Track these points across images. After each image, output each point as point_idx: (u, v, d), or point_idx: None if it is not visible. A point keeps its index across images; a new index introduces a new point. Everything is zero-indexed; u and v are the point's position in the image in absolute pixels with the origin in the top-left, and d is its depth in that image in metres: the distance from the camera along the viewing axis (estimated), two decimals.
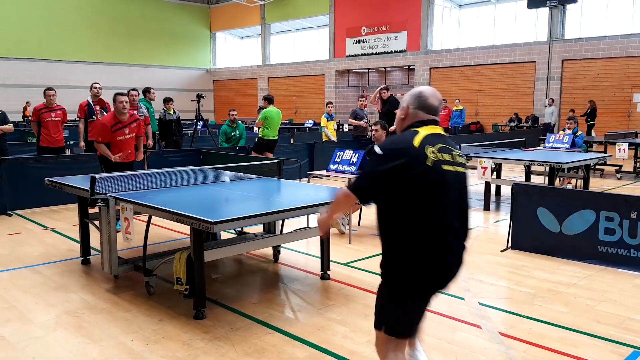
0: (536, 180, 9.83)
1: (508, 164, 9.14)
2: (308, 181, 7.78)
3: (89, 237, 5.81)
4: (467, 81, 24.33)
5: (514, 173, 11.96)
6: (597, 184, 11.06)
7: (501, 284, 5.19)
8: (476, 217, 8.16)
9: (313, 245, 6.40)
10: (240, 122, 12.24)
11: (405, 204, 2.44)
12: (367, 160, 2.57)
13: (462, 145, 9.22)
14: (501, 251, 6.24)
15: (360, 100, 13.06)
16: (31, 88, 27.04)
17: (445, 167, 2.47)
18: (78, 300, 4.73)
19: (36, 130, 9.45)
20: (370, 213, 2.68)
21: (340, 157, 7.49)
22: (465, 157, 2.68)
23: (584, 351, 3.74)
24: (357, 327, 4.13)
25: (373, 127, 7.03)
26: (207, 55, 36.59)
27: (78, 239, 5.95)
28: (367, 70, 29.17)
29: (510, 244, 6.33)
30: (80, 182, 5.56)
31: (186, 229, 4.67)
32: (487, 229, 7.51)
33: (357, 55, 27.96)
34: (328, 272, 5.29)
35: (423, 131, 2.51)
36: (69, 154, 11.35)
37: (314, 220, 6.71)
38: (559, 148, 10.47)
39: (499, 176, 9.33)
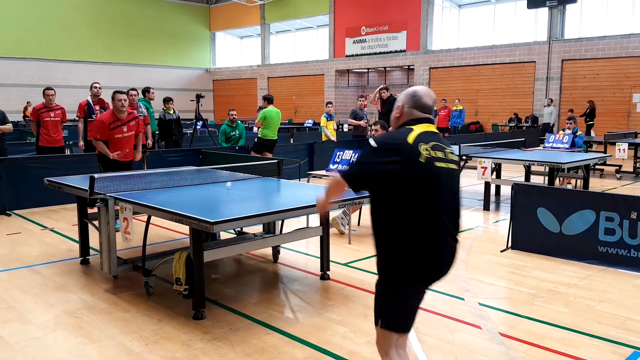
0: (536, 180, 9.83)
1: (508, 164, 9.13)
2: (308, 181, 7.77)
3: (88, 237, 5.80)
4: (467, 81, 24.33)
5: (513, 173, 11.96)
6: (596, 184, 11.06)
7: (501, 284, 5.18)
8: (476, 217, 8.15)
9: (313, 245, 6.40)
10: (239, 122, 12.23)
11: (398, 199, 2.50)
12: (361, 151, 2.64)
13: (461, 145, 9.20)
14: (501, 251, 6.24)
15: (360, 100, 13.06)
16: (31, 88, 27.04)
17: (438, 164, 2.53)
18: (77, 300, 4.72)
19: (35, 130, 9.44)
20: (369, 213, 2.76)
21: (340, 157, 7.48)
22: (457, 155, 2.75)
23: (584, 351, 3.73)
24: (357, 327, 4.12)
25: (373, 127, 7.03)
26: (206, 55, 36.58)
27: (77, 239, 5.93)
28: (366, 70, 29.17)
29: (510, 244, 6.32)
30: (79, 182, 5.55)
31: (186, 228, 4.66)
32: (487, 229, 7.50)
33: (357, 55, 27.96)
34: (328, 272, 5.29)
35: (417, 129, 2.57)
36: (68, 153, 11.34)
37: (313, 220, 6.71)
38: (559, 148, 10.46)
39: (498, 176, 9.33)
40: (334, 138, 12.91)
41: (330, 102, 13.50)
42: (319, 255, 5.34)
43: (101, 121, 6.94)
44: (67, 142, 11.80)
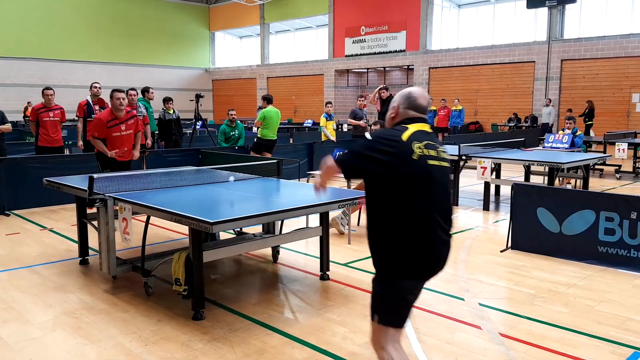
0: (535, 180, 9.82)
1: (507, 164, 9.13)
2: (307, 181, 7.77)
3: (87, 238, 5.79)
4: (466, 81, 24.33)
5: (513, 173, 11.95)
6: (596, 184, 11.06)
7: (501, 284, 5.18)
8: (476, 217, 8.14)
9: (312, 245, 6.39)
10: (239, 121, 12.23)
11: (391, 194, 2.57)
12: (356, 142, 2.69)
13: (461, 145, 9.20)
14: (501, 251, 6.23)
15: (360, 100, 13.05)
16: (31, 88, 27.02)
17: (431, 162, 2.61)
18: (76, 300, 4.71)
19: (34, 130, 9.43)
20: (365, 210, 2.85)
21: None
22: (449, 154, 2.81)
23: (584, 352, 3.72)
24: (357, 327, 4.11)
25: (372, 127, 7.02)
26: (206, 54, 36.57)
27: (76, 239, 5.92)
28: (366, 70, 29.16)
29: (509, 244, 6.32)
30: (78, 182, 5.54)
31: (185, 229, 4.66)
32: (487, 229, 7.50)
33: (356, 55, 27.96)
34: (327, 273, 5.28)
35: (412, 128, 2.65)
36: (68, 153, 11.33)
37: (313, 220, 6.70)
38: (559, 148, 10.45)
39: (498, 176, 9.32)
40: (333, 138, 12.91)
41: (330, 102, 13.49)
42: (318, 256, 5.34)
43: (99, 119, 6.94)
44: (66, 142, 11.80)
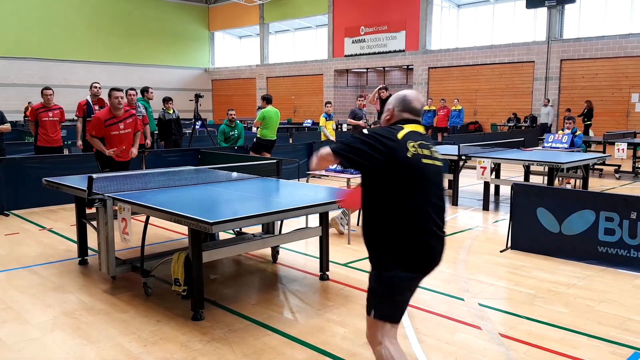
0: (535, 180, 9.82)
1: (507, 163, 9.12)
2: (307, 181, 7.75)
3: (86, 238, 5.78)
4: (466, 81, 24.33)
5: (512, 173, 11.95)
6: (596, 184, 11.06)
7: (501, 284, 5.17)
8: (475, 217, 8.14)
9: (312, 245, 6.38)
10: (238, 121, 12.21)
11: (387, 191, 2.66)
12: (352, 135, 2.84)
13: (460, 145, 9.20)
14: (500, 251, 6.23)
15: (359, 100, 13.04)
16: (31, 88, 26.99)
17: (425, 161, 2.71)
18: (75, 301, 4.70)
19: (34, 129, 9.42)
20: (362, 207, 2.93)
21: None
22: (441, 154, 2.91)
23: (584, 352, 3.72)
24: (357, 328, 4.10)
25: (372, 127, 7.01)
26: (205, 54, 36.55)
27: (75, 240, 5.91)
28: (365, 70, 29.16)
29: (509, 244, 6.31)
30: (77, 182, 5.53)
31: (184, 228, 4.65)
32: (486, 229, 7.49)
33: (356, 55, 27.95)
34: (327, 273, 5.27)
35: (407, 128, 2.76)
36: (67, 153, 11.32)
37: (312, 220, 6.69)
38: (558, 148, 10.45)
39: (497, 176, 9.32)
40: (333, 138, 12.88)
41: (329, 102, 13.48)
42: (318, 256, 5.33)
43: (97, 117, 6.93)
44: (66, 142, 11.78)
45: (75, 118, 9.99)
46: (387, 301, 2.74)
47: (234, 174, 5.97)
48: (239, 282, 5.29)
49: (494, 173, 8.88)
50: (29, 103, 25.19)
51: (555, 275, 5.38)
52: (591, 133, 18.30)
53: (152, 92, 11.28)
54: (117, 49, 31.68)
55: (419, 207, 2.66)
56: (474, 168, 8.76)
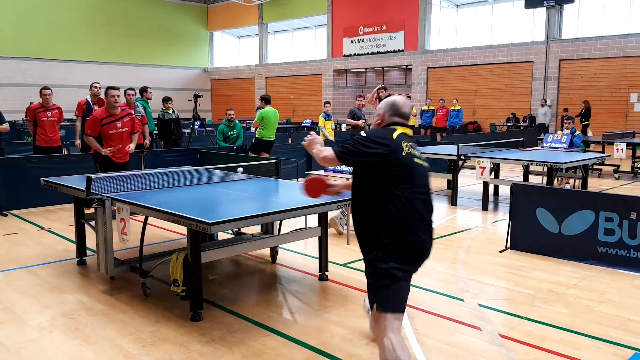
0: (534, 180, 9.82)
1: (506, 163, 9.12)
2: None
3: (85, 238, 5.76)
4: (465, 81, 24.32)
5: (511, 173, 11.95)
6: (595, 184, 11.06)
7: (500, 284, 5.16)
8: (474, 217, 8.13)
9: (311, 245, 6.37)
10: (237, 121, 12.20)
11: (382, 188, 2.87)
12: (352, 139, 2.96)
13: (460, 145, 9.20)
14: (500, 252, 6.22)
15: (358, 100, 13.03)
16: (29, 87, 26.96)
17: (416, 160, 2.96)
18: (74, 301, 4.69)
19: (32, 129, 9.40)
20: (352, 208, 3.08)
21: None
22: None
23: (584, 353, 3.71)
24: (356, 328, 4.09)
25: (371, 127, 6.99)
26: (204, 54, 36.52)
27: (74, 240, 5.90)
28: (364, 70, 29.14)
29: (509, 245, 6.30)
30: (76, 182, 5.51)
31: (183, 229, 4.63)
32: (486, 229, 7.48)
33: (355, 54, 27.93)
34: (326, 273, 5.26)
35: (399, 130, 3.01)
36: (65, 153, 11.29)
37: (312, 220, 6.68)
38: (557, 148, 10.45)
39: (497, 176, 9.31)
40: (332, 138, 12.88)
41: (328, 102, 13.46)
42: (317, 256, 5.31)
43: (93, 116, 6.91)
44: (64, 142, 11.76)
45: (75, 117, 9.96)
46: (387, 292, 2.90)
47: (240, 169, 6.00)
48: (238, 282, 5.27)
49: (493, 173, 8.87)
50: (30, 103, 25.17)
51: (555, 275, 5.37)
52: (590, 133, 18.30)
53: (151, 92, 11.26)
54: (115, 48, 31.62)
55: (411, 202, 2.87)
56: (473, 168, 8.75)
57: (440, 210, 8.64)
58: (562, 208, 5.92)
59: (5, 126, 9.20)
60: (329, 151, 2.96)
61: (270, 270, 5.67)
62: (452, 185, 9.14)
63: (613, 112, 20.27)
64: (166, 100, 11.91)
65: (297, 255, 6.13)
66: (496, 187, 9.94)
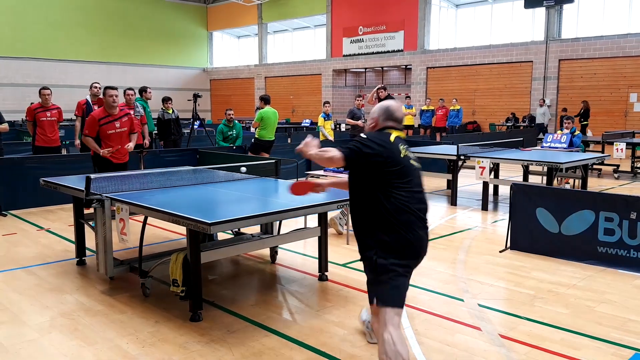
0: (533, 180, 9.81)
1: (506, 163, 9.11)
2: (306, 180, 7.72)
3: (84, 238, 5.75)
4: (464, 81, 24.31)
5: (511, 173, 11.94)
6: (594, 184, 11.06)
7: (500, 285, 5.15)
8: (474, 217, 8.12)
9: (310, 246, 6.36)
10: (237, 121, 12.19)
11: (381, 187, 2.98)
12: (354, 140, 3.05)
13: (459, 145, 9.19)
14: (500, 252, 6.21)
15: (358, 100, 13.02)
16: (28, 87, 26.95)
17: (412, 162, 3.11)
18: (73, 302, 4.68)
19: (31, 129, 9.38)
20: (350, 207, 3.19)
21: None
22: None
23: (585, 353, 3.70)
24: (356, 329, 4.08)
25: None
26: (204, 54, 36.50)
27: (73, 240, 5.89)
28: (364, 70, 29.13)
29: (509, 245, 6.30)
30: (75, 182, 5.50)
31: (183, 229, 4.63)
32: (485, 229, 7.48)
33: (354, 54, 27.92)
34: (326, 273, 5.25)
35: (394, 133, 3.13)
36: (65, 153, 11.28)
37: (311, 220, 6.67)
38: (557, 148, 10.44)
39: (496, 176, 9.31)
40: (331, 138, 12.88)
41: (328, 102, 13.45)
42: (316, 256, 5.31)
43: (91, 116, 6.89)
44: (64, 142, 11.75)
45: (74, 117, 9.94)
46: (387, 287, 2.98)
47: (243, 169, 6.00)
48: (237, 282, 5.27)
49: (492, 173, 8.87)
50: (31, 104, 25.15)
51: (555, 275, 5.37)
52: (589, 133, 18.30)
53: (150, 92, 11.24)
54: (114, 48, 31.60)
55: (409, 201, 2.99)
56: (473, 168, 8.75)
57: (440, 210, 8.64)
58: (562, 208, 5.92)
59: (5, 126, 9.16)
60: (334, 152, 2.99)
61: (269, 270, 5.67)
62: (452, 185, 9.14)
63: (612, 112, 20.27)
64: (166, 100, 11.89)
65: (297, 256, 6.12)
66: (496, 187, 9.93)
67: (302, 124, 24.44)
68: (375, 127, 3.22)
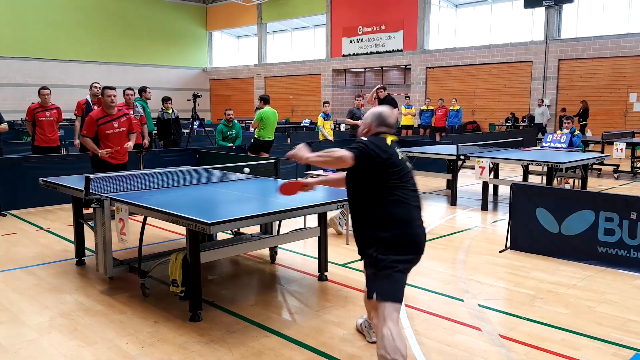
0: (533, 180, 9.81)
1: (506, 163, 9.11)
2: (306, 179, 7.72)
3: (83, 238, 5.74)
4: (464, 81, 24.32)
5: (511, 173, 11.94)
6: (594, 184, 11.05)
7: (500, 285, 5.15)
8: (474, 217, 8.12)
9: (310, 246, 6.36)
10: (236, 121, 12.18)
11: (381, 187, 3.09)
12: (357, 143, 3.12)
13: (459, 145, 9.19)
14: (500, 252, 6.21)
15: (357, 100, 13.02)
16: (28, 87, 26.93)
17: (407, 164, 3.25)
18: (72, 302, 4.67)
19: (31, 129, 9.37)
20: (350, 207, 3.29)
21: None
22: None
23: (585, 354, 3.70)
24: (356, 329, 4.07)
25: None
26: (203, 54, 36.49)
27: (73, 240, 5.88)
28: (363, 70, 29.13)
29: (508, 245, 6.29)
30: (75, 182, 5.49)
31: (182, 229, 4.62)
32: (485, 229, 7.47)
33: (354, 54, 27.92)
34: (325, 273, 5.25)
35: (389, 137, 3.26)
36: (64, 153, 11.27)
37: (311, 220, 6.67)
38: (557, 148, 10.44)
39: (496, 176, 9.30)
40: (331, 138, 12.88)
41: (328, 102, 13.45)
42: (316, 256, 5.30)
43: (90, 117, 6.87)
44: (63, 142, 11.74)
45: (74, 117, 9.94)
46: (387, 282, 3.05)
47: (247, 170, 6.00)
48: (237, 282, 5.26)
49: (492, 173, 8.86)
50: (32, 103, 25.12)
51: (555, 275, 5.36)
52: (589, 133, 18.30)
53: (150, 92, 11.23)
54: (114, 48, 31.60)
55: (407, 200, 3.12)
56: (473, 168, 8.74)
57: (440, 210, 8.64)
58: (562, 208, 5.91)
59: (4, 126, 9.17)
60: (343, 151, 3.05)
61: (269, 270, 5.66)
62: (452, 185, 9.13)
63: (612, 112, 20.28)
64: (166, 100, 11.89)
65: (297, 256, 6.12)
66: (496, 187, 9.93)
67: (302, 124, 24.44)
68: (369, 132, 3.31)
